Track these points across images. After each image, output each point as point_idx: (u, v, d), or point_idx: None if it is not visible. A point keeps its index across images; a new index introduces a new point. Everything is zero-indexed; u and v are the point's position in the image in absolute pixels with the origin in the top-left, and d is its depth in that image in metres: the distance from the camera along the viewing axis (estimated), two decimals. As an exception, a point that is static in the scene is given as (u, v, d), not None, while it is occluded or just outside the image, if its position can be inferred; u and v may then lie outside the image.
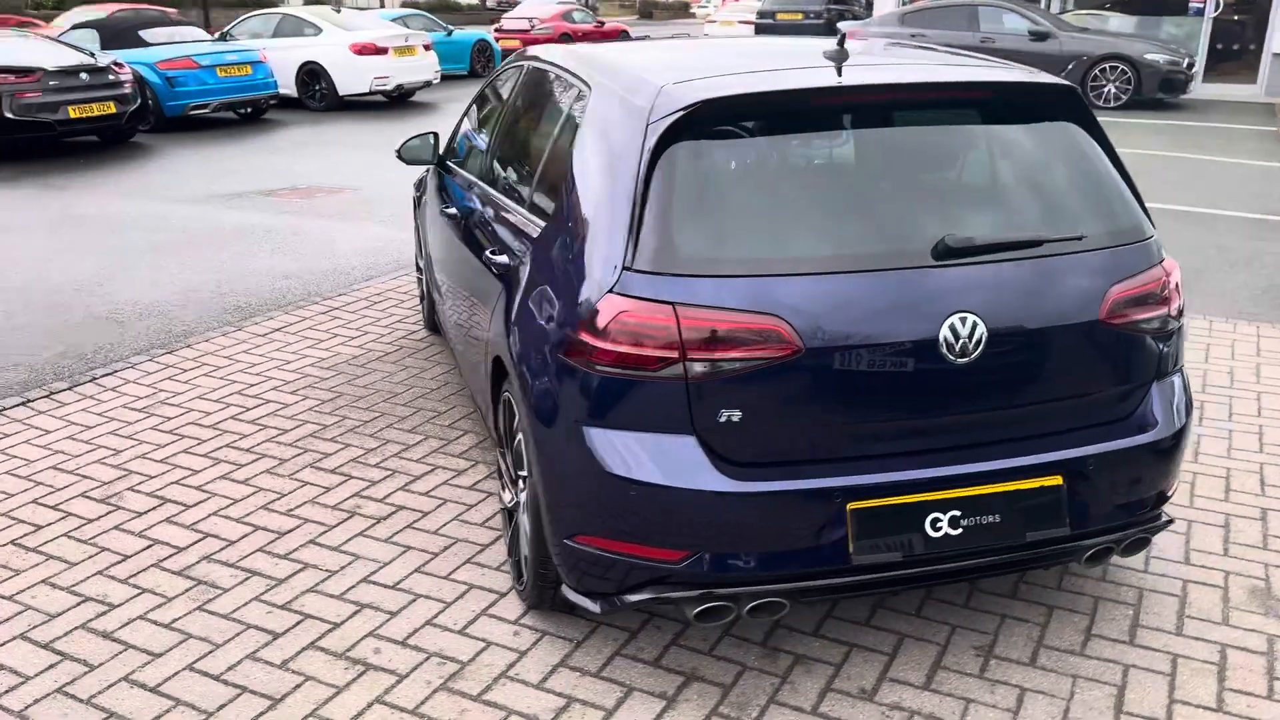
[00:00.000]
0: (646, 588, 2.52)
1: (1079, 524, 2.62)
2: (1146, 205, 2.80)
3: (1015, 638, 2.92)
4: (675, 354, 2.38)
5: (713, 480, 2.41)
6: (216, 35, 15.69)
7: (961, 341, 2.47)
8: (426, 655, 2.84)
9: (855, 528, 2.46)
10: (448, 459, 4.01)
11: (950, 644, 2.89)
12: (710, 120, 2.58)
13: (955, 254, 2.50)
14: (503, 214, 3.41)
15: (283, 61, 15.35)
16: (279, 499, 3.71)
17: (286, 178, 10.05)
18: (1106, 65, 14.96)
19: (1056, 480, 2.59)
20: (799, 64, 2.86)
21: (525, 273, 2.91)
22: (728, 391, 2.41)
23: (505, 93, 4.15)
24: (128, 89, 11.76)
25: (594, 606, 2.60)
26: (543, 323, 2.68)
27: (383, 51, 15.46)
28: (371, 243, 7.47)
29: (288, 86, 15.49)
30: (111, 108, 11.48)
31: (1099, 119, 3.03)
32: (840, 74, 2.71)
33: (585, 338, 2.47)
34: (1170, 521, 2.87)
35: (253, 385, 4.77)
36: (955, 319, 2.46)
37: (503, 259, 3.12)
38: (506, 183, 3.60)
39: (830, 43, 2.94)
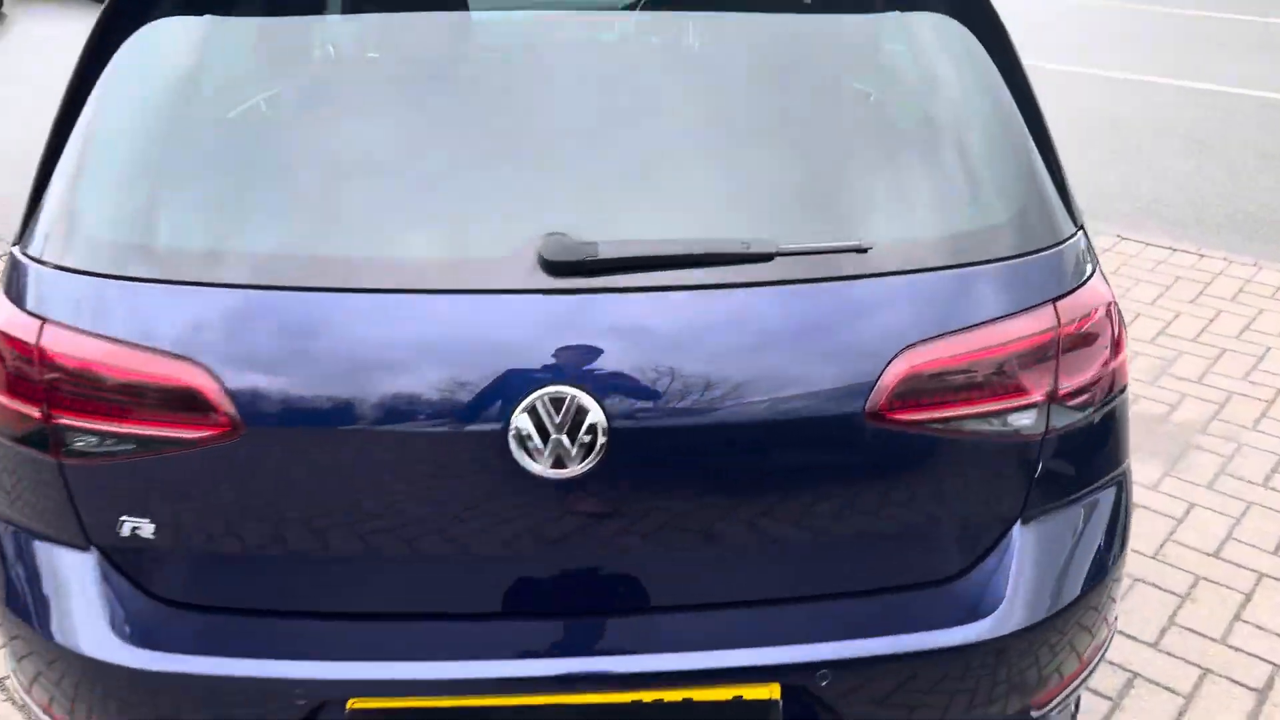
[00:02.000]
0: None
1: None
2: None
3: None
4: (36, 409, 1.36)
5: (99, 640, 1.38)
6: None
7: (553, 441, 1.29)
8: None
9: None
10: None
11: None
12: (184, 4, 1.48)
13: (572, 272, 1.30)
14: None
15: None
16: None
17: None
18: None
19: (765, 693, 1.40)
20: None
21: None
22: (127, 486, 1.36)
23: None
24: None
25: None
26: None
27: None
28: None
29: None
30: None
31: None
32: None
33: None
34: None
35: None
36: (543, 399, 1.29)
37: None
38: None
39: None
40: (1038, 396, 1.40)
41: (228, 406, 1.29)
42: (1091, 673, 1.62)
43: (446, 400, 1.29)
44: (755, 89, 1.52)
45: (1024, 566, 1.47)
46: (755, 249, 1.32)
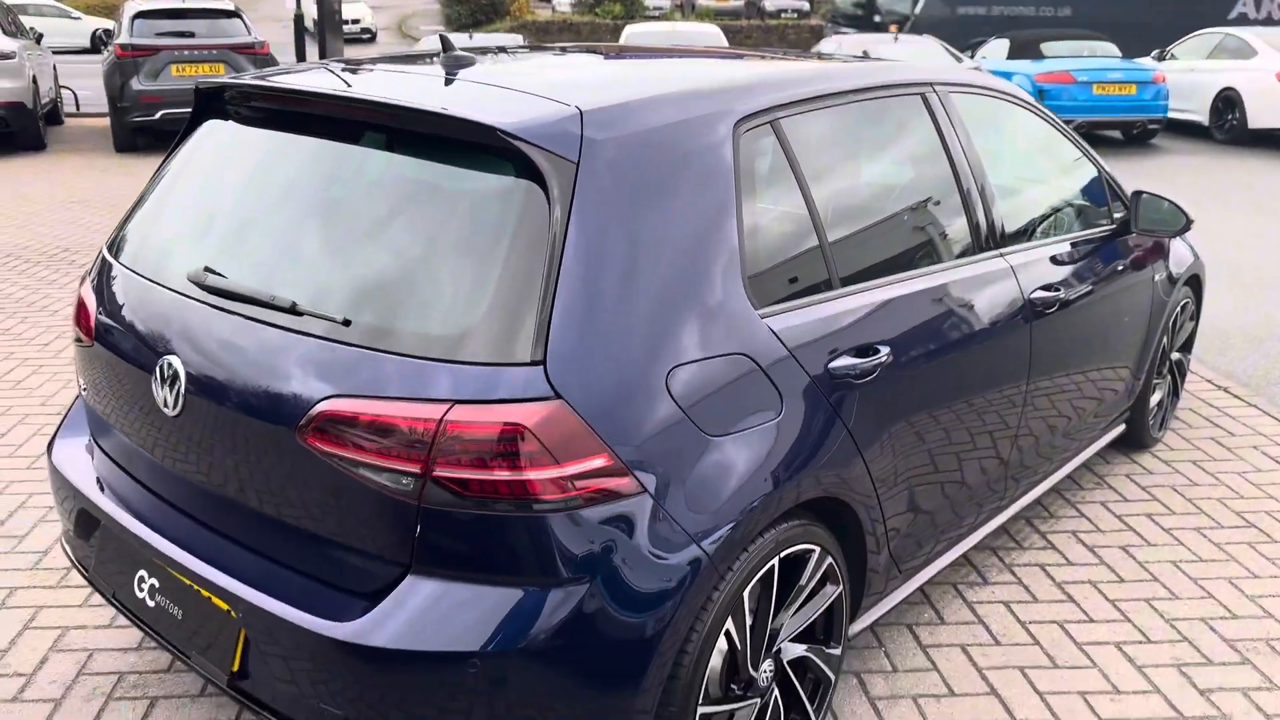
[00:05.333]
0: None
1: (247, 679, 2.05)
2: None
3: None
4: None
5: None
6: (1155, 53, 15.49)
7: (165, 388, 2.15)
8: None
9: (99, 545, 2.38)
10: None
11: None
12: (219, 111, 2.51)
13: (203, 288, 2.17)
14: None
15: (1203, 85, 14.21)
16: None
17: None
18: None
19: (226, 608, 2.06)
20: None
21: None
22: None
23: None
24: None
25: None
26: None
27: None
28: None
29: (1201, 113, 14.26)
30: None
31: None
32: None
33: None
34: None
35: None
36: (167, 360, 2.16)
37: None
38: None
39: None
40: (414, 468, 1.83)
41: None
42: None
43: (134, 346, 2.27)
44: (378, 208, 2.11)
45: (401, 602, 1.87)
46: (278, 303, 2.03)
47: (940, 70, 3.09)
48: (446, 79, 2.33)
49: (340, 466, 1.88)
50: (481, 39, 14.47)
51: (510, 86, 2.23)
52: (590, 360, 1.89)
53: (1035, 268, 3.13)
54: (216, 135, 2.48)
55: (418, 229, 2.02)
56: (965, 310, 2.79)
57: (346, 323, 1.95)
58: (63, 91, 14.61)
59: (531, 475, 1.81)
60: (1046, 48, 14.07)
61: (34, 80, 11.92)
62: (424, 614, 1.85)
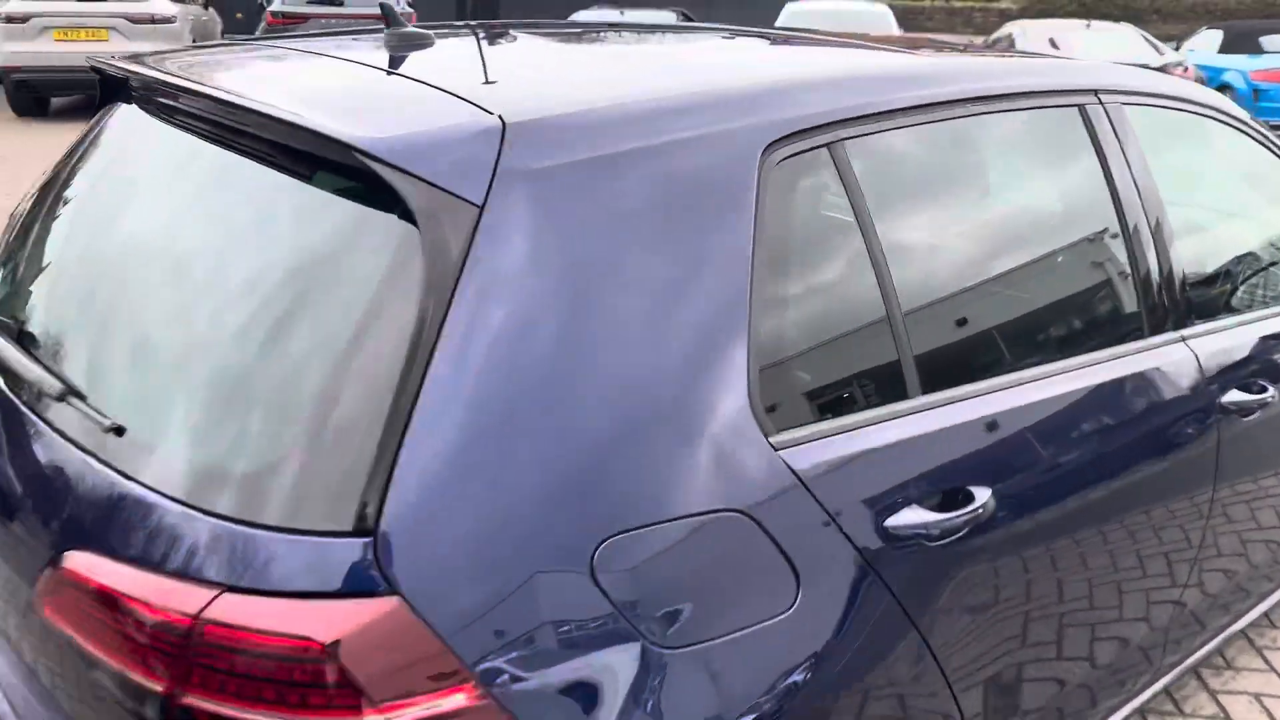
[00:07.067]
0: None
1: None
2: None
3: None
4: None
5: None
6: None
7: None
8: None
9: None
10: None
11: None
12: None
13: None
14: None
15: None
16: None
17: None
18: None
19: None
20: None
21: None
22: None
23: None
24: None
25: None
26: None
27: None
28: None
29: None
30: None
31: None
32: None
33: None
34: None
35: None
36: None
37: None
38: None
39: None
40: (157, 685, 1.16)
41: None
42: None
43: None
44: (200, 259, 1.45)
45: None
46: (45, 388, 1.41)
47: (1114, 71, 2.20)
48: (388, 63, 1.64)
49: (81, 656, 1.24)
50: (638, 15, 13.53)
51: (437, 84, 1.48)
52: (455, 530, 1.17)
53: (1231, 356, 2.22)
54: (101, 130, 1.87)
55: (238, 294, 1.34)
56: (1120, 424, 1.92)
57: (120, 431, 1.31)
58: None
59: None
60: (1267, 41, 12.30)
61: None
62: None
